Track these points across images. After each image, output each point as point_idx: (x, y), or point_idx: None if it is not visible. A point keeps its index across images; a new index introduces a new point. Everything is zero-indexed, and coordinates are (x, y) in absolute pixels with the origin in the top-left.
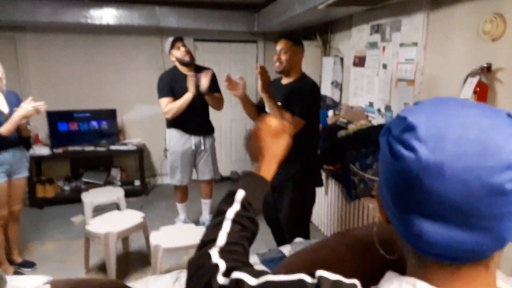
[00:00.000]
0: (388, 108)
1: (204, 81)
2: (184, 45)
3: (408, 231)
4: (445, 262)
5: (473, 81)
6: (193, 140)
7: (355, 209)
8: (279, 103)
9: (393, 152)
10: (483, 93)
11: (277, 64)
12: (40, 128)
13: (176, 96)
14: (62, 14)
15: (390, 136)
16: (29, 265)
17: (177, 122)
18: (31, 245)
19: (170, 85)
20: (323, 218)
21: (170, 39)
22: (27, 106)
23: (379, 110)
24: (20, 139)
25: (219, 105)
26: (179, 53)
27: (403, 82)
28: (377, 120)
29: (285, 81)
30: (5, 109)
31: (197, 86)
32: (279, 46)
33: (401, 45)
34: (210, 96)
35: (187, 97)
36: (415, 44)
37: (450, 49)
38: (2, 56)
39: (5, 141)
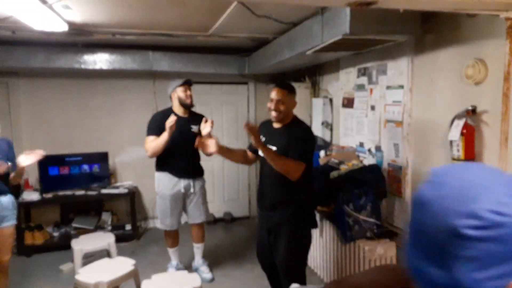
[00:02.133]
0: (378, 148)
1: (206, 129)
2: (190, 89)
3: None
4: None
5: (459, 123)
6: (182, 184)
7: (350, 251)
8: (274, 148)
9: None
10: (470, 134)
11: (274, 114)
12: (30, 173)
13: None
14: (56, 60)
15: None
16: None
17: (165, 165)
18: None
19: (160, 124)
20: (318, 261)
21: (179, 80)
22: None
23: (369, 150)
24: (8, 186)
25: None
26: (184, 94)
27: (391, 123)
28: (368, 160)
29: (277, 125)
30: None
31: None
32: (275, 95)
33: (388, 87)
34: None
35: (163, 137)
36: (401, 86)
37: (435, 91)
38: None
39: None
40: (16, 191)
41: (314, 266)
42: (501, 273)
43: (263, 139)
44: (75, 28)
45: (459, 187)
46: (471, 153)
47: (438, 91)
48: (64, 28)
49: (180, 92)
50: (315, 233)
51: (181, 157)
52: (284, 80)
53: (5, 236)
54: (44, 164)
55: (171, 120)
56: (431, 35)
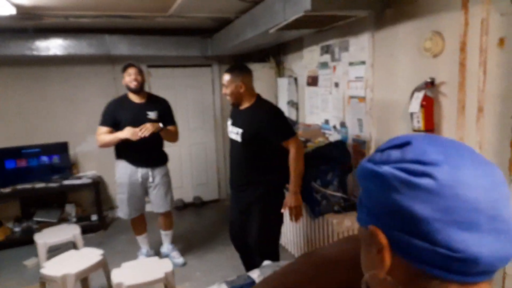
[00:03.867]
0: (343, 124)
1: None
2: (138, 73)
3: (446, 252)
4: (469, 280)
5: (419, 96)
6: (139, 173)
7: (319, 226)
8: (240, 130)
9: (414, 173)
10: (429, 106)
11: (228, 98)
12: None
13: (119, 123)
14: (5, 47)
15: (396, 163)
16: None
17: (123, 154)
18: None
19: (113, 113)
20: (289, 237)
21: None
22: None
23: (334, 127)
24: None
25: (173, 138)
26: (128, 78)
27: (355, 99)
28: (333, 136)
29: (242, 106)
30: None
31: (150, 120)
32: (223, 81)
33: (350, 64)
34: (163, 132)
35: (117, 135)
36: (363, 62)
37: (396, 66)
38: None
39: None
40: None
41: (285, 243)
42: None
43: (230, 121)
44: (24, 12)
45: (484, 163)
46: (430, 123)
47: (399, 66)
48: (11, 11)
49: (125, 78)
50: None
51: (137, 146)
52: (237, 62)
53: None
54: (1, 157)
55: (134, 132)
56: (391, 10)
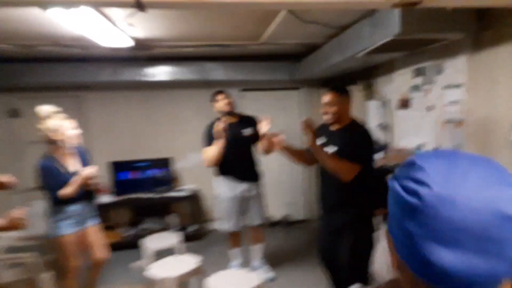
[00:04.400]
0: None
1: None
2: (226, 97)
3: (426, 263)
4: None
5: None
6: (239, 188)
7: None
8: (335, 148)
9: (407, 190)
10: None
11: (325, 117)
12: (104, 178)
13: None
14: (121, 73)
15: (400, 179)
16: None
17: (223, 170)
18: None
19: (211, 135)
20: (380, 264)
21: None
22: (86, 172)
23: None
24: (87, 191)
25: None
26: (221, 104)
27: (450, 123)
28: None
29: (334, 127)
30: (75, 167)
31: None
32: (326, 99)
33: (445, 87)
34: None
35: (214, 147)
36: (459, 86)
37: (495, 89)
38: (68, 113)
39: (73, 198)
40: (92, 194)
41: (376, 269)
42: None
43: (323, 140)
44: (138, 44)
45: (482, 177)
46: None
47: (499, 89)
48: (130, 43)
49: (216, 104)
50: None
51: (236, 161)
52: (337, 83)
53: (93, 235)
54: (116, 169)
55: (217, 130)
56: (488, 32)
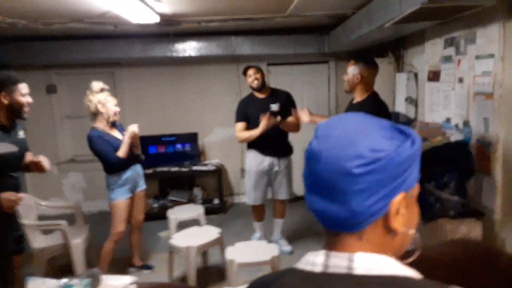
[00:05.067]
0: (466, 123)
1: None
2: (256, 72)
3: (308, 205)
4: (328, 229)
5: None
6: (267, 161)
7: (431, 230)
8: None
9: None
10: None
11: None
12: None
13: (249, 119)
14: (151, 49)
15: None
16: (148, 267)
17: (253, 143)
18: (122, 257)
19: (244, 110)
20: None
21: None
22: (132, 128)
23: (456, 126)
24: (134, 157)
25: (293, 128)
26: (250, 79)
27: (481, 95)
28: (455, 136)
29: (355, 100)
30: (120, 137)
31: (272, 112)
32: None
33: (477, 57)
34: (283, 124)
35: (253, 133)
36: (492, 56)
37: None
38: None
39: (126, 161)
40: (140, 160)
41: None
42: (383, 195)
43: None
44: (166, 19)
45: (342, 137)
46: None
47: None
48: (156, 19)
49: (247, 79)
50: None
51: (266, 136)
52: (360, 52)
53: (140, 198)
54: (145, 143)
55: (262, 121)
56: None
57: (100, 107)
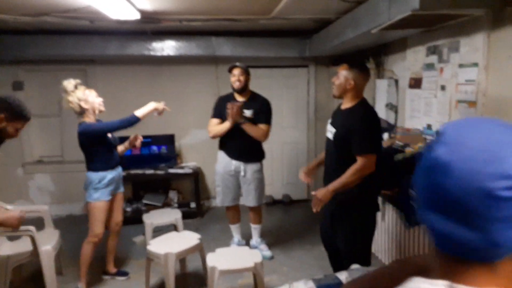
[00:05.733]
0: None
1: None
2: (241, 73)
3: (424, 222)
4: (445, 253)
5: None
6: (233, 165)
7: (414, 235)
8: (334, 130)
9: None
10: None
11: (333, 87)
12: None
13: (224, 118)
14: (128, 47)
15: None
16: (124, 273)
17: (222, 145)
18: (96, 263)
19: (220, 108)
20: (380, 245)
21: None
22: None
23: (437, 132)
24: (120, 158)
25: (255, 135)
26: (232, 79)
27: (463, 103)
28: None
29: (343, 106)
30: None
31: (244, 117)
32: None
33: (460, 66)
34: (246, 126)
35: (223, 126)
36: (476, 64)
37: None
38: None
39: (113, 161)
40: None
41: (375, 249)
42: None
43: (330, 120)
44: (147, 17)
45: (481, 148)
46: None
47: None
48: (137, 16)
49: (231, 77)
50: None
51: (233, 139)
52: (359, 59)
53: (119, 200)
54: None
55: (231, 111)
56: (511, 8)
57: (83, 104)
